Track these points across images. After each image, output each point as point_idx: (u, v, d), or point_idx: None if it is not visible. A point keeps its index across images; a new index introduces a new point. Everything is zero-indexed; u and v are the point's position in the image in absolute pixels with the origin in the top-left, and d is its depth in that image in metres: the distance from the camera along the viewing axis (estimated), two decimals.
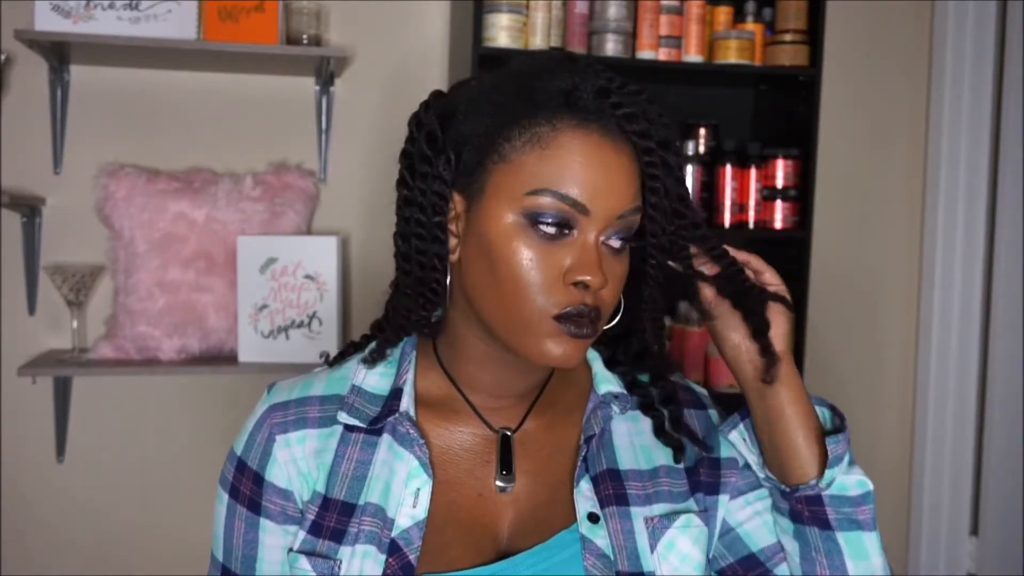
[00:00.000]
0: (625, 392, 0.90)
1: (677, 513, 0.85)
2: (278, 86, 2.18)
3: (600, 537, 0.82)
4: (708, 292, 0.87)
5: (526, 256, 0.76)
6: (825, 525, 0.83)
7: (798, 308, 2.20)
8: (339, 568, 0.80)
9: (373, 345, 0.89)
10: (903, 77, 2.52)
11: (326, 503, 0.83)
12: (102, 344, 2.02)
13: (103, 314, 2.11)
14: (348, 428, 0.85)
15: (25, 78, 2.06)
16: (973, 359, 2.46)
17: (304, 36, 2.03)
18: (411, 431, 0.83)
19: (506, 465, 0.85)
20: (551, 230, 0.76)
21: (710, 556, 0.88)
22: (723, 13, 2.15)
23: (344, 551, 0.81)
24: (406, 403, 0.85)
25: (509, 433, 0.86)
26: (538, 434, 0.87)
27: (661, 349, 0.88)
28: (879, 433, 2.59)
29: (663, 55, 2.09)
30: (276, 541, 0.85)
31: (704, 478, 0.89)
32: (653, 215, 0.81)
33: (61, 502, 2.14)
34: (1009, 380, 2.35)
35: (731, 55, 2.12)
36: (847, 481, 0.84)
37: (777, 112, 2.30)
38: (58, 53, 1.99)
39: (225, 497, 0.87)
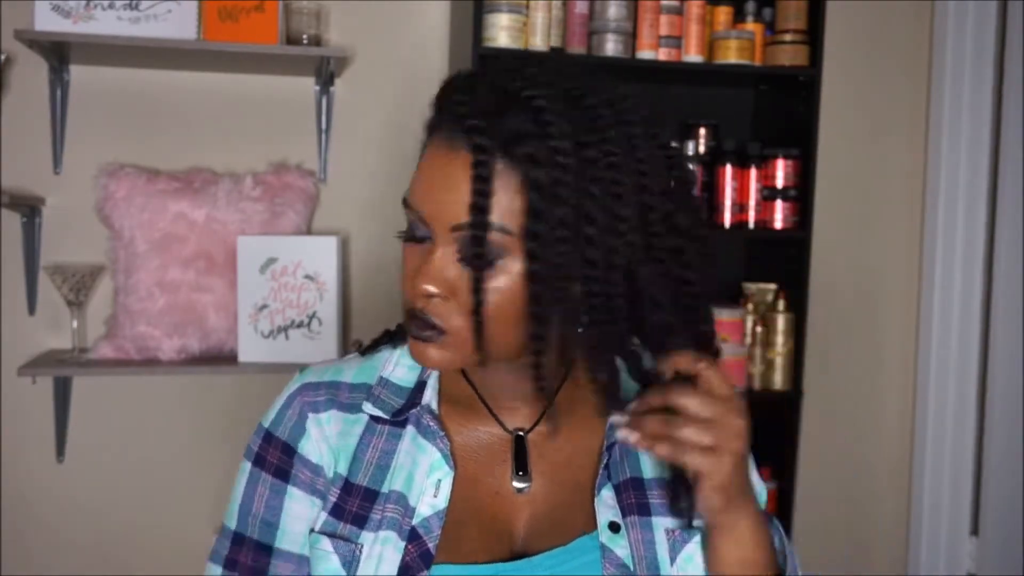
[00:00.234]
0: None
1: (697, 529, 0.85)
2: (278, 86, 2.18)
3: (620, 547, 0.82)
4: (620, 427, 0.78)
5: (403, 256, 0.79)
6: None
7: (798, 308, 2.20)
8: (360, 552, 0.81)
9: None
10: (903, 77, 2.52)
11: (348, 487, 0.84)
12: (102, 344, 2.02)
13: (103, 314, 2.11)
14: (374, 418, 0.86)
15: (25, 78, 2.06)
16: (973, 359, 2.46)
17: (304, 36, 2.03)
18: (432, 424, 0.85)
19: (521, 466, 0.85)
20: (408, 234, 0.79)
21: None
22: (723, 13, 2.15)
23: (366, 536, 0.82)
24: (428, 396, 0.86)
25: (522, 434, 0.86)
26: (556, 437, 0.87)
27: (611, 385, 0.78)
28: (879, 433, 2.59)
29: (663, 55, 2.09)
30: (302, 511, 0.85)
31: None
32: (530, 238, 0.73)
33: (61, 502, 2.14)
34: (1009, 380, 2.35)
35: (731, 55, 2.12)
36: None
37: (777, 112, 2.30)
38: (58, 53, 1.99)
39: (248, 466, 0.87)
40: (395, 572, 0.80)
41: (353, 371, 0.89)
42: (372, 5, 2.21)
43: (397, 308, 0.83)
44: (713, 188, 2.20)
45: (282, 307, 2.03)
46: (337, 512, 0.83)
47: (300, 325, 2.04)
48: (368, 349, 0.92)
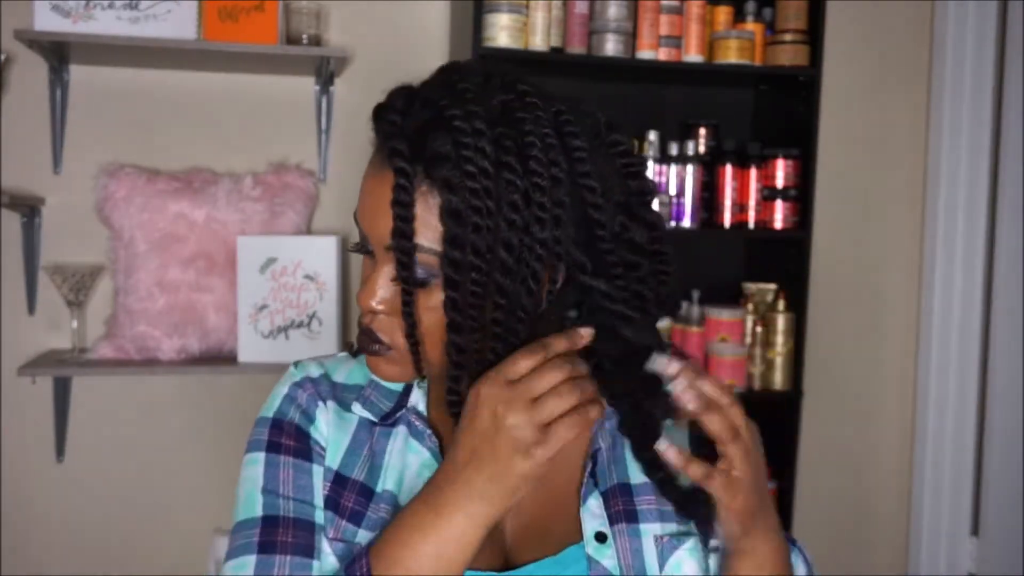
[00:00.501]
0: None
1: (686, 535, 0.84)
2: (278, 86, 2.18)
3: (607, 557, 0.81)
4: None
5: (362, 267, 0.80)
6: None
7: (798, 308, 2.20)
8: None
9: None
10: (903, 77, 2.52)
11: (340, 479, 0.84)
12: (102, 344, 2.02)
13: (103, 314, 2.11)
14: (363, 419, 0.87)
15: (25, 78, 2.06)
16: (973, 359, 2.46)
17: (304, 36, 2.03)
18: (418, 423, 0.85)
19: None
20: (357, 247, 0.79)
21: None
22: (723, 13, 2.15)
23: (364, 535, 0.82)
24: (415, 398, 0.86)
25: None
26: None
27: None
28: (880, 433, 2.59)
29: (663, 55, 2.09)
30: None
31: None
32: (446, 264, 0.72)
33: (61, 502, 2.14)
34: (1009, 380, 2.35)
35: (731, 55, 2.12)
36: None
37: (777, 112, 2.30)
38: (58, 53, 1.98)
39: (261, 455, 0.84)
40: None
41: (345, 372, 0.89)
42: (372, 5, 2.21)
43: None
44: (713, 188, 2.20)
45: (282, 307, 2.03)
46: (333, 506, 0.83)
47: (300, 325, 2.04)
48: (360, 351, 0.92)
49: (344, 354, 0.92)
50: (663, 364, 0.74)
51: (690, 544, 0.84)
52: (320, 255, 2.04)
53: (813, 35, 2.13)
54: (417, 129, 0.72)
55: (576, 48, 2.06)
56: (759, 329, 2.23)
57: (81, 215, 2.08)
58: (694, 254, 2.35)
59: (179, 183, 2.06)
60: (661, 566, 0.82)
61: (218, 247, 2.05)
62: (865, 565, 2.59)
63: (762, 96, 2.37)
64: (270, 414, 0.87)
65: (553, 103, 0.75)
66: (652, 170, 2.17)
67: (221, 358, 2.06)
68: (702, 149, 2.23)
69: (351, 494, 0.83)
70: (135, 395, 2.16)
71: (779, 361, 2.22)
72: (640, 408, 0.75)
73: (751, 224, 2.20)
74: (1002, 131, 2.38)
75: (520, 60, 1.99)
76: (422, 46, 2.23)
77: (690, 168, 2.17)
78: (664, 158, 2.18)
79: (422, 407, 0.86)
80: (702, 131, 2.26)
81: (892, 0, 2.49)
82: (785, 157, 2.17)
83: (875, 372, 2.57)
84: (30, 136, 2.07)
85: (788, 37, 2.14)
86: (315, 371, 0.88)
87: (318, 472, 0.84)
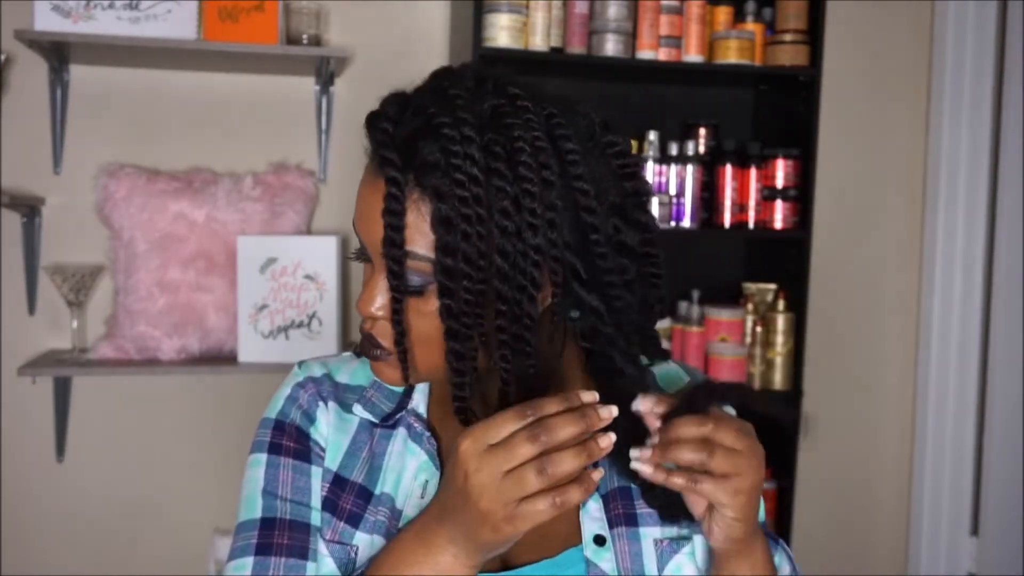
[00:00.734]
0: None
1: (686, 539, 0.84)
2: (278, 86, 2.18)
3: (605, 560, 0.81)
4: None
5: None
6: None
7: (798, 308, 2.20)
8: (355, 553, 0.81)
9: None
10: (903, 77, 2.52)
11: (339, 481, 0.84)
12: (102, 344, 2.02)
13: (103, 314, 2.11)
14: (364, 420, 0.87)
15: (25, 78, 2.06)
16: (973, 359, 2.46)
17: (304, 36, 2.03)
18: (416, 425, 0.85)
19: None
20: (356, 254, 0.79)
21: None
22: (723, 13, 2.15)
23: (361, 537, 0.82)
24: (416, 400, 0.86)
25: None
26: None
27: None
28: (879, 433, 2.59)
29: (663, 55, 2.09)
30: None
31: None
32: (439, 272, 0.72)
33: (61, 502, 2.14)
34: (1009, 380, 2.35)
35: (731, 55, 2.12)
36: None
37: (777, 112, 2.30)
38: (58, 53, 1.98)
39: (263, 457, 0.85)
40: None
41: (348, 373, 0.89)
42: (372, 5, 2.21)
43: None
44: (713, 188, 2.20)
45: (282, 307, 2.03)
46: (331, 507, 0.83)
47: (300, 325, 2.04)
48: (362, 355, 0.92)
49: (349, 354, 0.92)
50: (646, 406, 0.72)
51: (689, 548, 0.84)
52: (320, 255, 2.04)
53: (813, 35, 2.13)
54: (407, 137, 0.72)
55: (576, 48, 2.06)
56: (759, 329, 2.23)
57: (81, 215, 2.08)
58: (694, 254, 2.35)
59: (179, 183, 2.06)
60: (660, 570, 0.82)
61: (218, 247, 2.05)
62: (865, 565, 2.59)
63: (762, 96, 2.37)
64: (273, 415, 0.87)
65: (545, 106, 0.74)
66: (652, 170, 2.17)
67: (221, 358, 2.06)
68: (702, 149, 2.23)
69: (349, 496, 0.83)
70: (135, 395, 2.16)
71: (779, 361, 2.22)
72: (624, 432, 0.72)
73: (751, 224, 2.20)
74: (1002, 131, 2.38)
75: (520, 60, 1.99)
76: (422, 46, 2.23)
77: (690, 168, 2.17)
78: (664, 158, 2.18)
79: (422, 409, 0.86)
80: (702, 131, 2.26)
81: (892, 0, 2.49)
82: (785, 157, 2.17)
83: (875, 372, 2.57)
84: (30, 136, 2.07)
85: (788, 37, 2.14)
86: (318, 371, 0.89)
87: (317, 473, 0.84)
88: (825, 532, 2.52)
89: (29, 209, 2.05)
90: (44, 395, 2.10)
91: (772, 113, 2.33)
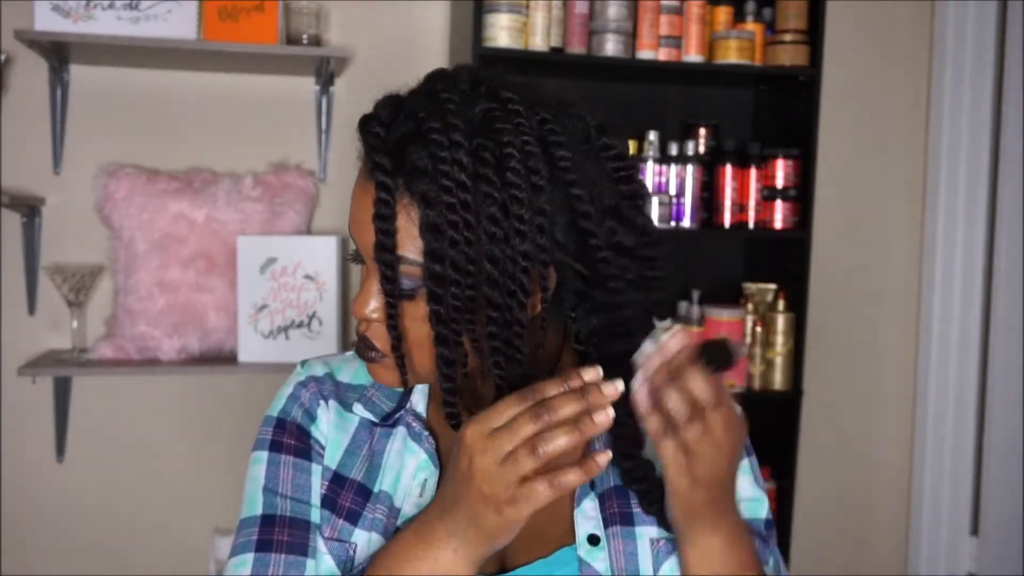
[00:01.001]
0: None
1: None
2: (278, 86, 2.18)
3: (599, 560, 0.81)
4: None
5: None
6: None
7: (798, 308, 2.20)
8: (354, 551, 0.82)
9: None
10: (903, 77, 2.52)
11: (338, 479, 0.84)
12: (102, 344, 2.02)
13: (103, 314, 2.11)
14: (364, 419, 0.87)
15: (25, 78, 2.06)
16: (973, 359, 2.46)
17: (304, 36, 2.03)
18: (416, 424, 0.85)
19: None
20: (353, 256, 0.79)
21: None
22: (723, 13, 2.15)
23: (359, 535, 0.82)
24: (416, 399, 0.87)
25: None
26: None
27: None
28: (879, 433, 2.59)
29: (663, 55, 2.09)
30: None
31: None
32: (428, 278, 0.72)
33: (61, 502, 2.14)
34: (1009, 380, 2.35)
35: (731, 55, 2.12)
36: None
37: (777, 112, 2.30)
38: (58, 53, 1.98)
39: (264, 455, 0.85)
40: None
41: (351, 372, 0.90)
42: (372, 5, 2.21)
43: None
44: (713, 188, 2.20)
45: (282, 307, 2.03)
46: (330, 505, 0.83)
47: (300, 325, 2.04)
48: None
49: (351, 353, 0.92)
50: (644, 354, 0.71)
51: None
52: (320, 255, 2.04)
53: (813, 35, 2.14)
54: (398, 142, 0.72)
55: (576, 48, 2.06)
56: (759, 329, 2.23)
57: (81, 215, 2.08)
58: (694, 254, 2.35)
59: (179, 183, 2.06)
60: (656, 570, 0.81)
61: (218, 247, 2.05)
62: (865, 565, 2.59)
63: (762, 96, 2.37)
64: (275, 413, 0.88)
65: (538, 111, 0.74)
66: (652, 170, 2.17)
67: (221, 358, 2.06)
68: (702, 149, 2.23)
69: (348, 493, 0.84)
70: (135, 395, 2.16)
71: (779, 361, 2.22)
72: (620, 422, 0.72)
73: (751, 224, 2.20)
74: (1002, 131, 2.38)
75: (520, 60, 1.99)
76: (422, 46, 2.23)
77: (690, 168, 2.17)
78: (664, 158, 2.18)
79: (422, 408, 0.87)
80: (702, 131, 2.26)
81: (892, 0, 2.49)
82: (785, 157, 2.17)
83: (875, 372, 2.57)
84: (30, 136, 2.07)
85: (788, 37, 2.14)
86: (320, 370, 0.89)
87: (317, 471, 0.85)
88: (825, 532, 2.52)
89: (29, 209, 2.05)
90: (44, 395, 2.10)
91: (772, 113, 2.33)
